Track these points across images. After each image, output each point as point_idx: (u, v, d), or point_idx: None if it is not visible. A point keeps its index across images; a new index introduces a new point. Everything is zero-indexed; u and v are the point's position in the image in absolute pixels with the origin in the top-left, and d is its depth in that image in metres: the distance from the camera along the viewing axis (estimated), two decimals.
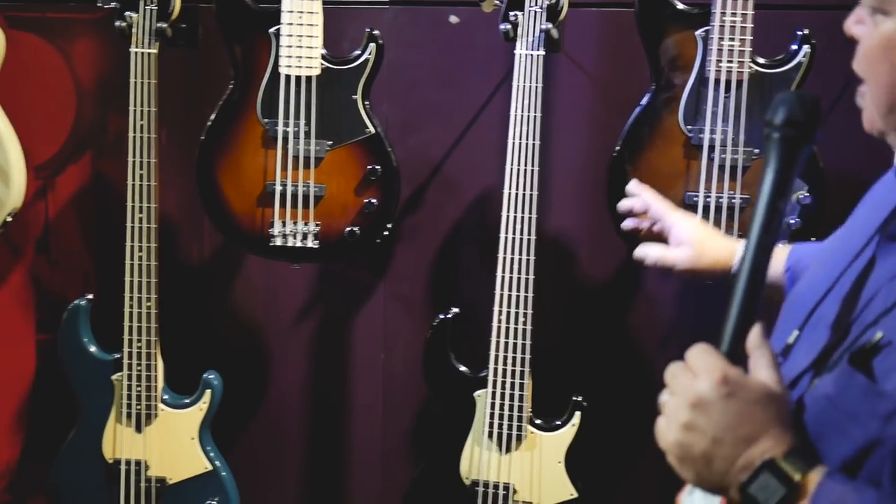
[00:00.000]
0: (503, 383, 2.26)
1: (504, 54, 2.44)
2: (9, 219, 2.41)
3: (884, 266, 1.05)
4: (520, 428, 2.27)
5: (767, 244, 1.01)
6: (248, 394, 2.69)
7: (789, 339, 1.13)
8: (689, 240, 1.61)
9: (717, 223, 2.19)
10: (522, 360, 2.25)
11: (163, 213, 2.40)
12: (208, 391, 2.39)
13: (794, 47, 2.16)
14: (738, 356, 1.00)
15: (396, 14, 2.50)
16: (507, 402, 2.26)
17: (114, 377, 2.38)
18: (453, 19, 2.49)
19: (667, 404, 1.00)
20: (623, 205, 1.72)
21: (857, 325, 1.02)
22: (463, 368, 2.32)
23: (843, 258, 1.12)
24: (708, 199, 2.18)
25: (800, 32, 2.15)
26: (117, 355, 2.38)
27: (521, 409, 2.26)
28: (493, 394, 2.27)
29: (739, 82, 2.13)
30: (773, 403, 0.97)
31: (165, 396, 2.40)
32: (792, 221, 2.15)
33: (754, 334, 1.01)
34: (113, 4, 2.29)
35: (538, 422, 2.29)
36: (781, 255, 1.51)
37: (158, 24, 2.27)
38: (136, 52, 2.27)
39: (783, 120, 1.02)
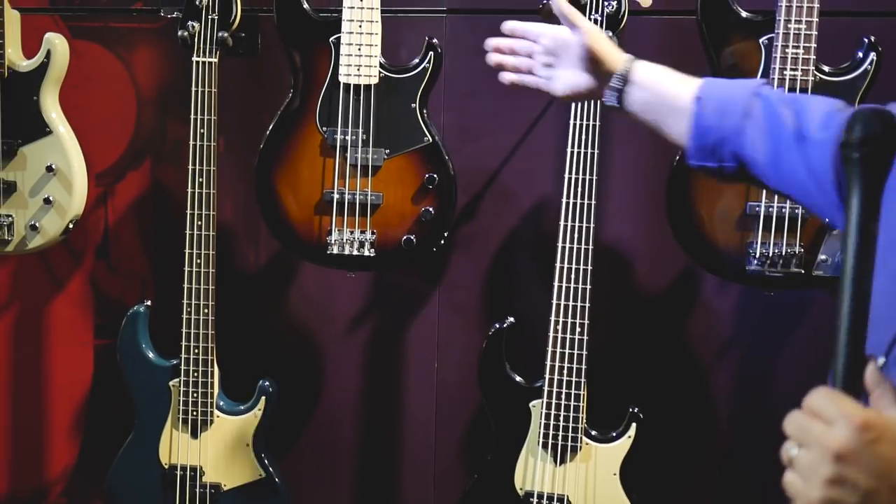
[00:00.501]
0: (559, 394, 2.24)
1: None
2: (70, 226, 2.44)
3: None
4: (575, 439, 2.25)
5: (866, 270, 0.94)
6: (302, 401, 2.70)
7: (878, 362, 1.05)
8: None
9: None
10: (578, 370, 2.23)
11: (219, 220, 2.41)
12: (263, 398, 2.40)
13: (860, 55, 2.12)
14: (856, 395, 0.93)
15: (454, 22, 2.50)
16: (562, 413, 2.25)
17: (171, 383, 2.40)
18: None
19: (798, 459, 0.91)
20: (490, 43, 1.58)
21: None
22: (518, 378, 2.31)
23: None
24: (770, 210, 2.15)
25: (866, 40, 2.12)
26: (174, 361, 2.40)
27: (576, 419, 2.24)
28: (549, 404, 2.25)
29: (804, 90, 2.09)
30: None
31: (221, 403, 2.41)
32: None
33: (872, 370, 0.94)
34: (175, 14, 2.32)
35: (593, 433, 2.27)
36: (692, 84, 1.40)
37: (220, 34, 2.29)
38: (197, 62, 2.30)
39: (860, 138, 0.95)
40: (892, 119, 0.96)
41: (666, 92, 1.40)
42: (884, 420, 0.89)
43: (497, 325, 2.34)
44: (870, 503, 0.88)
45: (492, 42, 1.57)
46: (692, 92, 1.38)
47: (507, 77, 1.56)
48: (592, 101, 2.15)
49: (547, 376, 2.24)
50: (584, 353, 2.22)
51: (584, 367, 2.22)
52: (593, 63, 1.45)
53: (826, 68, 2.12)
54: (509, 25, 1.56)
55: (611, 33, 2.14)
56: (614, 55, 1.45)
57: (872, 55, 2.11)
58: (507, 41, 1.55)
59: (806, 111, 1.30)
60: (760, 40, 2.14)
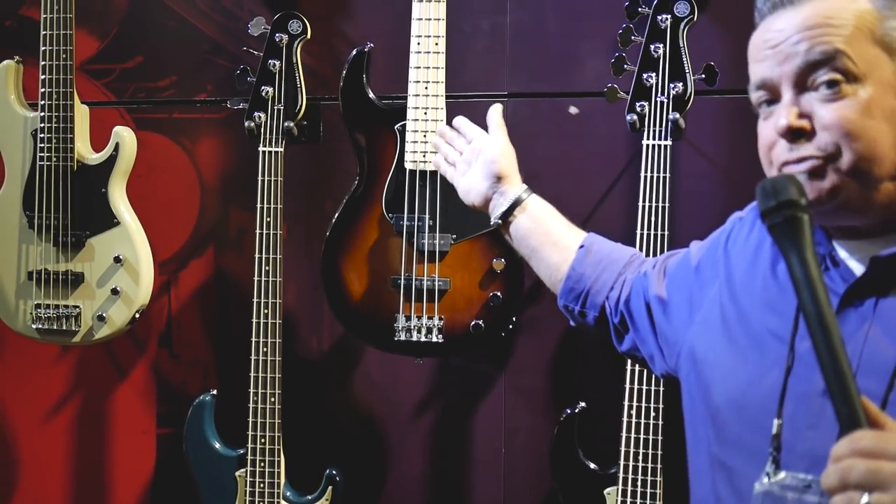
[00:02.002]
0: (634, 480, 2.18)
1: (625, 143, 2.43)
2: (137, 315, 2.45)
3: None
4: None
5: (828, 315, 1.00)
6: (368, 489, 2.66)
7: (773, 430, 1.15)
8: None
9: None
10: (654, 455, 2.17)
11: (284, 306, 2.41)
12: (330, 488, 2.37)
13: None
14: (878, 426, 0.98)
15: (516, 106, 2.51)
16: (638, 500, 2.19)
17: (237, 473, 2.38)
18: (573, 110, 2.49)
19: (883, 501, 0.92)
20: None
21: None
22: (592, 465, 2.26)
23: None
24: None
25: None
26: (241, 451, 2.38)
27: None
28: (624, 491, 2.19)
29: None
30: None
31: (287, 493, 2.38)
32: None
33: (869, 404, 0.98)
34: (241, 105, 2.35)
35: None
36: (578, 232, 1.61)
37: (286, 124, 2.31)
38: (264, 151, 2.32)
39: (777, 204, 1.04)
40: (792, 179, 1.07)
41: (552, 228, 1.60)
42: None
43: (569, 411, 2.30)
44: None
45: (440, 128, 1.80)
46: (578, 240, 1.58)
47: (433, 158, 1.80)
48: (661, 181, 2.14)
49: (622, 462, 2.19)
50: (660, 437, 2.16)
51: (659, 452, 2.17)
52: (495, 177, 1.63)
53: None
54: (457, 121, 1.75)
55: (677, 114, 2.14)
56: (514, 179, 1.64)
57: None
58: (451, 132, 1.75)
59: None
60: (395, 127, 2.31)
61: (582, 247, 1.57)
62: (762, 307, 1.26)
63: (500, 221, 1.63)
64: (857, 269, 1.16)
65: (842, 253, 1.18)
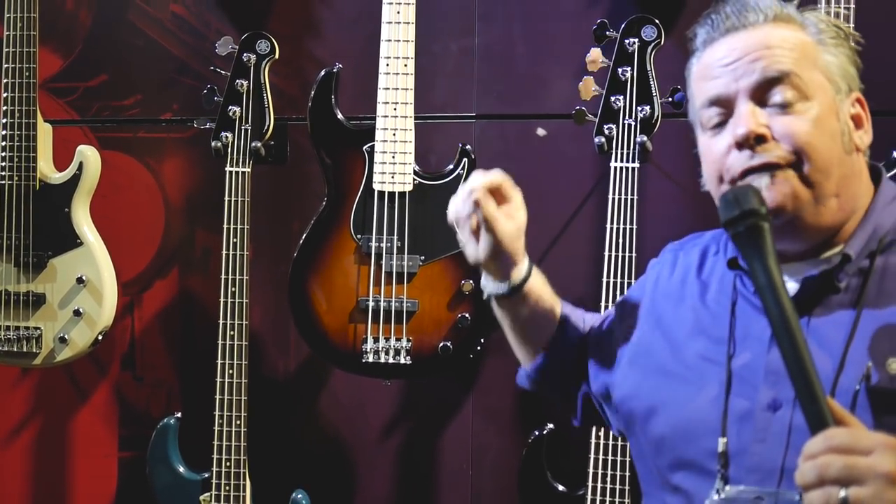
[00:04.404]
0: (602, 501, 2.18)
1: (593, 166, 2.44)
2: (100, 337, 2.42)
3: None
4: None
5: (792, 318, 1.05)
6: None
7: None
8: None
9: None
10: (622, 477, 2.17)
11: (249, 328, 2.38)
12: None
13: (895, 155, 2.13)
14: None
15: (484, 127, 2.52)
16: None
17: (202, 497, 2.34)
18: (540, 132, 2.50)
19: (858, 495, 0.96)
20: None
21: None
22: (561, 487, 2.25)
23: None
24: None
25: None
26: (205, 474, 2.34)
27: None
28: None
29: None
30: None
31: None
32: None
33: (834, 403, 1.02)
34: (207, 125, 2.33)
35: None
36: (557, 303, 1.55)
37: (253, 144, 2.30)
38: (231, 171, 2.30)
39: (741, 213, 1.10)
40: (751, 189, 1.14)
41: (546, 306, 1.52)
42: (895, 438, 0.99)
43: (537, 432, 2.29)
44: None
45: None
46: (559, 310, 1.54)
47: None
48: (629, 204, 2.15)
49: (590, 484, 2.19)
50: (628, 459, 2.16)
51: (627, 473, 2.17)
52: (503, 255, 1.42)
53: None
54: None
55: (645, 137, 2.15)
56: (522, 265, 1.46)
57: None
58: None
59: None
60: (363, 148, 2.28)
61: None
62: (695, 336, 1.33)
63: (501, 293, 1.50)
64: (791, 289, 1.22)
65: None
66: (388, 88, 2.25)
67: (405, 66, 2.24)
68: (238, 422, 2.31)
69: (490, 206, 1.36)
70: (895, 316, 1.18)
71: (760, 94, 1.22)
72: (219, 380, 2.31)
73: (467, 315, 2.27)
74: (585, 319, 1.59)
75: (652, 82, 2.14)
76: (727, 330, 1.27)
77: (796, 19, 1.27)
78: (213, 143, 2.31)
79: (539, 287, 1.50)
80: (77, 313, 2.39)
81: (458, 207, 1.39)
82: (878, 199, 1.27)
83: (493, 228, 1.37)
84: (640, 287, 1.52)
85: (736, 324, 1.28)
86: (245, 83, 2.30)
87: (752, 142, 1.20)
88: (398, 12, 2.25)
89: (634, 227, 2.16)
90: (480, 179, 1.38)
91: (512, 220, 1.40)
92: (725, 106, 1.25)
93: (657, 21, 2.15)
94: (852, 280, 1.22)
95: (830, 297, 1.22)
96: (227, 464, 2.31)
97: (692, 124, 1.36)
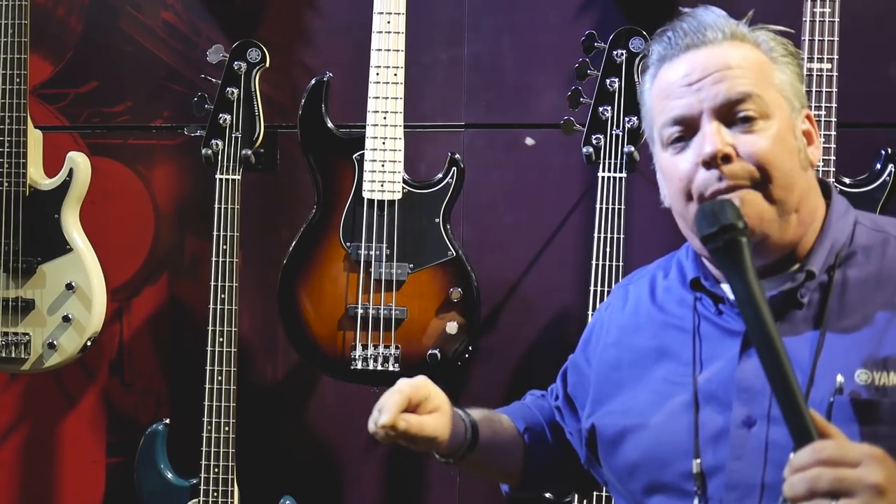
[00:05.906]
0: None
1: (580, 175, 2.46)
2: (89, 343, 2.42)
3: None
4: None
5: (773, 331, 1.05)
6: None
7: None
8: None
9: None
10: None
11: (238, 334, 2.39)
12: None
13: (878, 167, 2.15)
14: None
15: (473, 136, 2.54)
16: None
17: None
18: (529, 141, 2.52)
19: None
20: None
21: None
22: (548, 494, 2.26)
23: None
24: None
25: (884, 152, 2.15)
26: (194, 481, 2.35)
27: None
28: None
29: None
30: None
31: None
32: None
33: (817, 416, 1.03)
34: (198, 132, 2.34)
35: None
36: (507, 420, 1.54)
37: (243, 152, 2.31)
38: (221, 179, 2.31)
39: (720, 228, 1.11)
40: (728, 203, 1.15)
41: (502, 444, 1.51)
42: (879, 449, 1.01)
43: None
44: None
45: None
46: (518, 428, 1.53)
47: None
48: (617, 213, 2.17)
49: (575, 495, 2.20)
50: None
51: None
52: (438, 444, 1.41)
53: (846, 180, 2.15)
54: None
55: (632, 147, 2.17)
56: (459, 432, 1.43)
57: (891, 167, 2.13)
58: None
59: None
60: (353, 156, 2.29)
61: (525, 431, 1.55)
62: (658, 361, 1.34)
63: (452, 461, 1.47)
64: None
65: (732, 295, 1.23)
66: (377, 97, 2.26)
67: (395, 75, 2.26)
68: (226, 428, 2.32)
69: (403, 425, 1.33)
70: (859, 329, 1.21)
71: (724, 114, 1.24)
72: (207, 386, 2.32)
73: (456, 323, 2.29)
74: (543, 407, 1.61)
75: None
76: (691, 352, 1.29)
77: (749, 37, 1.29)
78: (203, 151, 2.32)
79: (488, 432, 1.48)
80: (66, 319, 2.39)
81: (373, 430, 1.37)
82: (832, 214, 1.29)
83: (417, 438, 1.35)
84: (584, 340, 1.53)
85: (702, 346, 1.29)
86: (235, 91, 2.31)
87: (718, 161, 1.22)
88: (388, 22, 2.26)
89: (622, 236, 2.18)
90: (387, 407, 1.36)
91: (433, 415, 1.39)
92: (689, 125, 1.26)
93: (645, 33, 2.18)
94: (813, 295, 1.24)
95: (794, 312, 1.24)
96: (216, 470, 2.31)
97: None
